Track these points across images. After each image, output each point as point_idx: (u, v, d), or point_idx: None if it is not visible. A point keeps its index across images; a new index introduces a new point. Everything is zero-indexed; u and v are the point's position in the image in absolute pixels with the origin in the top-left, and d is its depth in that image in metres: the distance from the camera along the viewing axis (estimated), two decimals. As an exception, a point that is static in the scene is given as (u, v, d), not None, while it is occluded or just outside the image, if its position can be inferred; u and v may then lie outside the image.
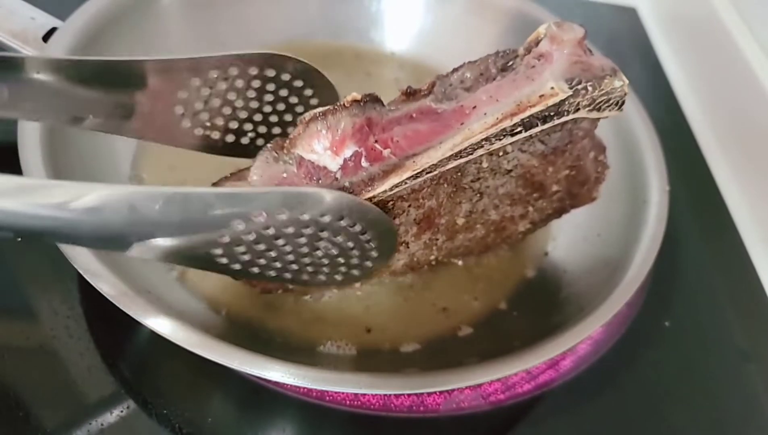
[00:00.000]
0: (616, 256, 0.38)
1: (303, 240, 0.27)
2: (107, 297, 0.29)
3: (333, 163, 0.29)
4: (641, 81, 0.60)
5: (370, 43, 0.53)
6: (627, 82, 0.30)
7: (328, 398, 0.34)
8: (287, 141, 0.30)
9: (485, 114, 0.29)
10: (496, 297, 0.39)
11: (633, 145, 0.43)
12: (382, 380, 0.30)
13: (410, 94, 0.31)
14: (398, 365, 0.35)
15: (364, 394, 0.35)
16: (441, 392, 0.36)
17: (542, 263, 0.42)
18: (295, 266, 0.29)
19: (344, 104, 0.29)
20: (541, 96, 0.29)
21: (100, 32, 0.40)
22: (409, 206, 0.31)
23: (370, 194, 0.28)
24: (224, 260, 0.27)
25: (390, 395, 0.35)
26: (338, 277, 0.31)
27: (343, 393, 0.34)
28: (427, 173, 0.29)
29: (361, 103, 0.30)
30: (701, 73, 0.61)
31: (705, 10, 0.61)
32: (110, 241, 0.24)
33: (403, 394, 0.35)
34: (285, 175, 0.29)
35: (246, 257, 0.27)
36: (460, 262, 0.40)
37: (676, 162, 0.45)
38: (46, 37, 0.39)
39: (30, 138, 0.34)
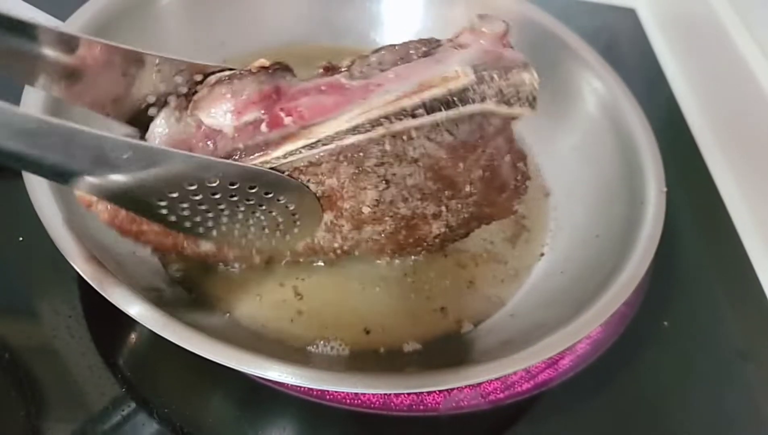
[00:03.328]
0: (613, 256, 0.38)
1: (227, 203, 0.29)
2: (107, 298, 0.29)
3: (229, 127, 0.29)
4: (640, 82, 0.60)
5: (371, 44, 0.53)
6: (537, 79, 0.30)
7: (328, 397, 0.34)
8: (191, 102, 0.30)
9: (387, 91, 0.29)
10: (494, 298, 0.39)
11: (630, 146, 0.43)
12: (381, 379, 0.30)
13: (328, 69, 0.31)
14: (397, 365, 0.35)
15: (364, 393, 0.35)
16: (440, 391, 0.36)
17: (540, 264, 0.42)
18: (224, 227, 0.30)
19: (251, 69, 0.30)
20: (443, 78, 0.29)
21: (99, 32, 0.40)
22: (308, 181, 0.31)
23: (263, 159, 0.29)
24: (164, 211, 0.28)
25: (390, 394, 0.35)
26: (266, 241, 0.32)
27: (343, 392, 0.35)
28: (323, 145, 0.29)
29: (270, 71, 0.30)
30: (700, 73, 0.61)
31: (704, 11, 0.61)
32: (67, 174, 0.25)
33: (403, 393, 0.35)
34: (185, 136, 0.30)
35: (185, 213, 0.29)
36: (446, 257, 0.41)
37: (675, 163, 0.46)
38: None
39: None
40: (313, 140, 0.29)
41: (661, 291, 0.44)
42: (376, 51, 0.32)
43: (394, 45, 0.32)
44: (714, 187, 0.53)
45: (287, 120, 0.29)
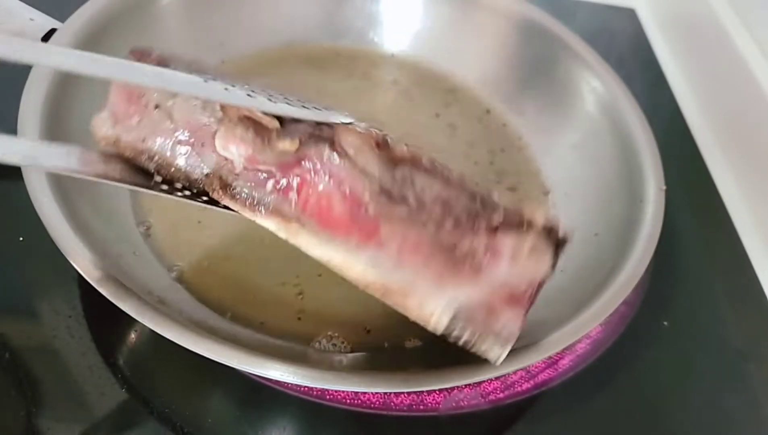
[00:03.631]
0: (613, 255, 0.38)
1: None
2: (107, 297, 0.29)
3: (239, 164, 0.27)
4: (640, 81, 0.60)
5: (369, 44, 0.53)
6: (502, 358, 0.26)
7: (328, 397, 0.34)
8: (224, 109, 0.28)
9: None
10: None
11: (629, 145, 0.43)
12: (381, 379, 0.30)
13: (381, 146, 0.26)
14: (397, 364, 0.35)
15: (364, 393, 0.35)
16: (440, 391, 0.36)
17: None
18: None
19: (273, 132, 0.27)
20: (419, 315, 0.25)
21: (99, 33, 0.41)
22: None
23: (251, 215, 0.27)
24: None
25: (390, 394, 0.35)
26: None
27: (343, 391, 0.35)
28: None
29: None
30: (700, 73, 0.61)
31: (703, 11, 0.61)
32: None
33: (403, 393, 0.35)
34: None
35: None
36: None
37: (675, 162, 0.46)
38: (45, 39, 0.39)
39: (29, 138, 0.34)
40: (300, 240, 0.26)
41: (660, 290, 0.44)
42: (427, 168, 0.26)
43: (448, 177, 0.26)
44: (714, 187, 0.53)
45: (291, 197, 0.26)
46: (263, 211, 0.26)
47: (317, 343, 0.35)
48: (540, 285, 0.26)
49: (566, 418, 0.37)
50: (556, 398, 0.37)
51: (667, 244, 0.38)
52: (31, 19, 0.40)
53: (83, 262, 0.30)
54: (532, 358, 0.31)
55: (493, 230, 0.25)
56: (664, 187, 0.40)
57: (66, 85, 0.38)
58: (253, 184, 0.27)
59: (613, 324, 0.41)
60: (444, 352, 0.36)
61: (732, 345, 0.42)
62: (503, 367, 0.31)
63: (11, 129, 0.34)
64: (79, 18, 0.40)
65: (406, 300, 0.26)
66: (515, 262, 0.25)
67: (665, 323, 0.42)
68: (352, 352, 0.35)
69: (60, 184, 0.33)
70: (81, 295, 0.36)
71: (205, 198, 0.29)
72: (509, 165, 0.47)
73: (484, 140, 0.49)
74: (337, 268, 0.27)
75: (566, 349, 0.37)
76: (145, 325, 0.29)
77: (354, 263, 0.26)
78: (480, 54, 0.52)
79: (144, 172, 0.29)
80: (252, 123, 0.27)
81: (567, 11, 0.55)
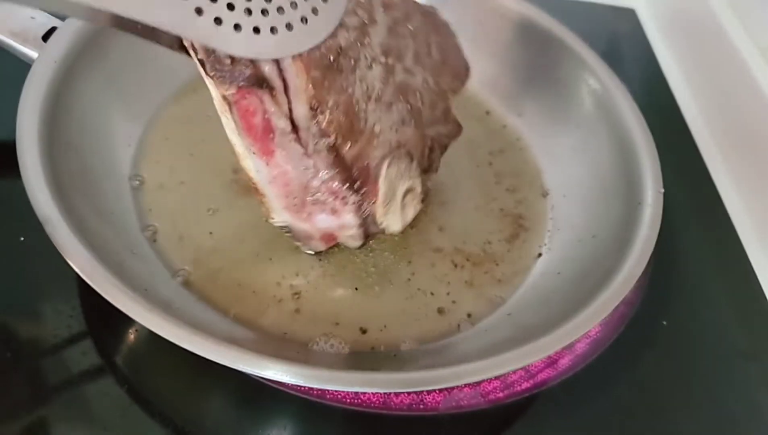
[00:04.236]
0: (610, 257, 0.38)
1: None
2: (106, 297, 0.29)
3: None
4: (639, 82, 0.61)
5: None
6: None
7: (328, 396, 0.35)
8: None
9: None
10: (492, 297, 0.39)
11: (628, 147, 0.43)
12: (381, 379, 0.30)
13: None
14: (396, 364, 0.35)
15: (365, 393, 0.35)
16: (440, 390, 0.36)
17: (537, 264, 0.42)
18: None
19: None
20: None
21: (100, 31, 0.40)
22: None
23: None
24: None
25: (390, 393, 0.35)
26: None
27: (343, 391, 0.35)
28: None
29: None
30: (699, 74, 0.61)
31: (703, 12, 0.61)
32: None
33: (403, 392, 0.35)
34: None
35: None
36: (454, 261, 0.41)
37: (674, 163, 0.46)
38: (45, 37, 0.39)
39: (29, 138, 0.34)
40: (224, 118, 0.31)
41: (660, 290, 0.44)
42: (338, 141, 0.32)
43: (348, 157, 0.32)
44: (713, 187, 0.53)
45: (232, 89, 0.29)
46: (213, 79, 0.29)
47: (315, 344, 0.35)
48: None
49: (566, 417, 0.37)
50: (556, 398, 0.37)
51: (666, 244, 0.39)
52: (32, 18, 0.40)
53: (83, 262, 0.30)
54: (532, 357, 0.31)
55: (342, 206, 0.33)
56: (662, 190, 0.40)
57: (66, 85, 0.38)
58: (221, 62, 0.29)
59: (613, 324, 0.41)
60: (442, 353, 0.36)
61: (732, 345, 0.42)
62: (502, 366, 0.31)
63: (11, 129, 0.34)
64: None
65: (264, 200, 0.34)
66: (337, 232, 0.36)
67: (665, 323, 0.42)
68: (350, 352, 0.35)
69: (60, 184, 0.33)
70: (81, 295, 0.36)
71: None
72: (508, 166, 0.47)
73: (483, 141, 0.49)
74: (237, 152, 0.33)
75: (565, 348, 0.38)
76: (144, 326, 0.29)
77: (247, 160, 0.32)
78: (480, 54, 0.52)
79: None
80: None
81: (567, 11, 0.54)
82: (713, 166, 0.54)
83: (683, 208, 0.50)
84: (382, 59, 0.33)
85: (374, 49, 0.32)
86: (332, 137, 0.31)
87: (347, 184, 0.32)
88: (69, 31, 0.39)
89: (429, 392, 0.36)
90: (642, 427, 0.37)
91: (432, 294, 0.39)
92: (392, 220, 0.36)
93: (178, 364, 0.34)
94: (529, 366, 0.38)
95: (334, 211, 0.34)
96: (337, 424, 0.34)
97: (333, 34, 0.30)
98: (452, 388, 0.36)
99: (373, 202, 0.34)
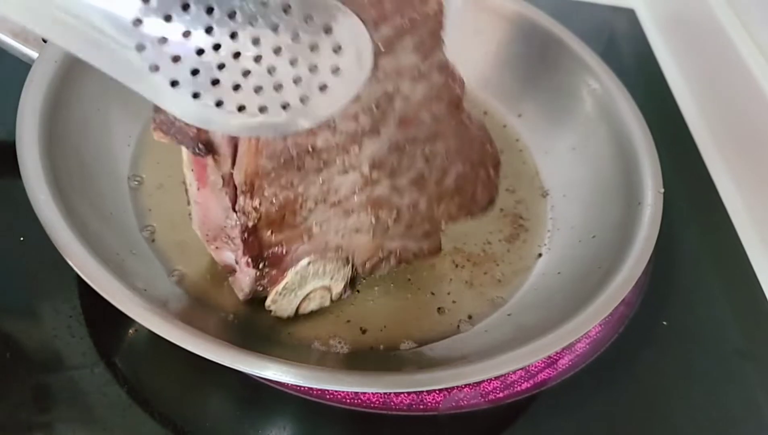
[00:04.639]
0: (610, 257, 0.38)
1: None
2: (105, 297, 0.29)
3: None
4: (639, 82, 0.61)
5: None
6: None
7: (328, 396, 0.34)
8: None
9: None
10: (492, 298, 0.39)
11: (628, 147, 0.43)
12: (381, 379, 0.30)
13: None
14: (396, 364, 0.35)
15: (365, 393, 0.35)
16: (440, 390, 0.36)
17: (537, 264, 0.42)
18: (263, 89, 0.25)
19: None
20: None
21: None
22: None
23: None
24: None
25: (390, 393, 0.35)
26: (313, 101, 0.26)
27: (343, 391, 0.35)
28: None
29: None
30: (699, 74, 0.61)
31: (703, 12, 0.61)
32: None
33: (403, 393, 0.35)
34: None
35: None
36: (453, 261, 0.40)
37: (674, 163, 0.46)
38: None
39: (29, 138, 0.34)
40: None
41: (660, 290, 0.44)
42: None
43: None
44: (713, 187, 0.53)
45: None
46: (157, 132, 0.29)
47: (315, 344, 0.35)
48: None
49: (566, 417, 0.37)
50: (556, 398, 0.37)
51: (666, 244, 0.39)
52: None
53: (83, 262, 0.30)
54: (531, 357, 0.31)
55: (245, 266, 0.33)
56: (662, 190, 0.40)
57: (66, 85, 0.38)
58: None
59: (613, 324, 0.41)
60: (442, 353, 0.36)
61: (731, 345, 0.42)
62: (502, 366, 0.31)
63: (10, 129, 0.34)
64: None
65: (193, 225, 0.36)
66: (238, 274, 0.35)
67: (664, 323, 0.42)
68: (350, 352, 0.35)
69: (60, 184, 0.33)
70: (81, 295, 0.36)
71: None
72: (508, 166, 0.47)
73: (483, 141, 0.49)
74: (185, 178, 0.34)
75: (565, 348, 0.38)
76: (144, 326, 0.29)
77: (187, 172, 0.33)
78: (479, 55, 0.52)
79: None
80: None
81: (567, 11, 0.55)
82: (713, 166, 0.54)
83: (683, 208, 0.50)
84: (365, 170, 0.31)
85: (360, 159, 0.31)
86: (252, 221, 0.30)
87: (254, 261, 0.32)
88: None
89: (429, 392, 0.36)
90: (641, 426, 0.37)
91: (432, 294, 0.39)
92: (282, 307, 0.35)
93: (177, 364, 0.34)
94: (529, 366, 0.38)
95: (237, 262, 0.34)
96: (337, 424, 0.34)
97: (312, 132, 0.28)
98: (452, 388, 0.36)
99: (271, 285, 0.33)
